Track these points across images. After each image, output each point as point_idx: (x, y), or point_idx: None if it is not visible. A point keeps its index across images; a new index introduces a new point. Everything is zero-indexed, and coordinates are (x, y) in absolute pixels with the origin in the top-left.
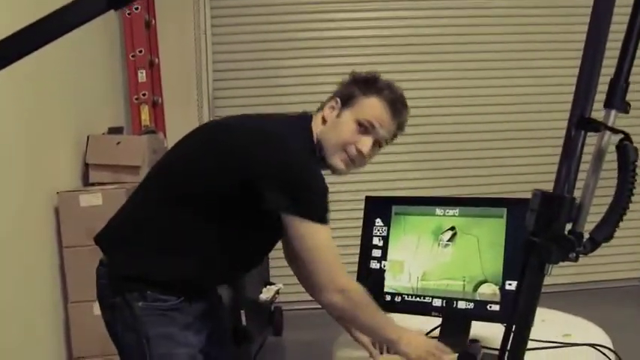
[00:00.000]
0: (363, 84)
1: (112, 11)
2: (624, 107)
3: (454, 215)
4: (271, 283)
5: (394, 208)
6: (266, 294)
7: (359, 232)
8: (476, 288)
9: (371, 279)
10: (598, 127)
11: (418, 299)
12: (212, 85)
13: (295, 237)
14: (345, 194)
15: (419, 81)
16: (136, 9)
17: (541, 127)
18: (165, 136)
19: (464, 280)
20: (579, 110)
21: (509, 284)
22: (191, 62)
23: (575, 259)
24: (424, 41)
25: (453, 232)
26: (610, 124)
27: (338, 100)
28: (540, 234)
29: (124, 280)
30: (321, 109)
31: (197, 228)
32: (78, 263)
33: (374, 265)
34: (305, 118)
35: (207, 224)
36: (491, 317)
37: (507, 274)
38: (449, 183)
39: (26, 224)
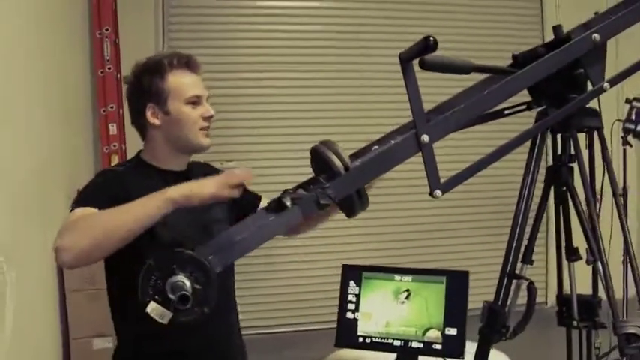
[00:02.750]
0: (154, 71)
1: (85, 70)
2: (531, 262)
3: (408, 281)
4: None
5: (364, 274)
6: None
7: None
8: (424, 332)
9: (347, 325)
10: (519, 278)
11: (383, 340)
12: None
13: None
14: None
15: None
16: (109, 68)
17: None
18: None
19: (416, 327)
20: (510, 267)
21: (449, 330)
22: None
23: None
24: None
25: (408, 292)
26: (523, 273)
27: (151, 104)
28: (487, 327)
29: None
30: (143, 127)
31: None
32: (79, 304)
33: (349, 315)
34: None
35: None
36: (435, 354)
37: (447, 323)
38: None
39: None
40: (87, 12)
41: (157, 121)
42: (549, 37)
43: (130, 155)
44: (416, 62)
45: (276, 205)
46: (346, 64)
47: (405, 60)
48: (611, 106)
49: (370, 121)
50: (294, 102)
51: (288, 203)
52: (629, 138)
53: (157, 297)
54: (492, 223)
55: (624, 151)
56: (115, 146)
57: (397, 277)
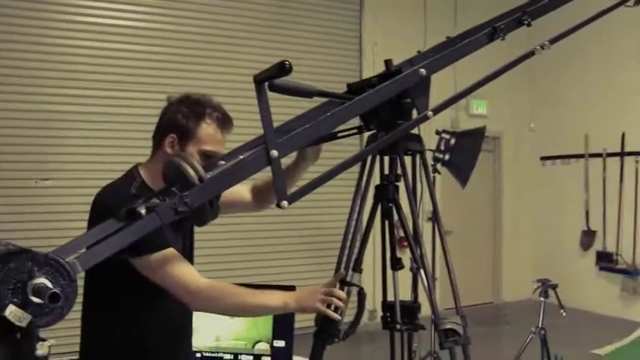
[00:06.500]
0: (191, 112)
1: None
2: (361, 270)
3: None
4: (43, 339)
5: None
6: (41, 350)
7: None
8: (254, 345)
9: None
10: (350, 285)
11: (213, 354)
12: None
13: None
14: None
15: None
16: None
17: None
18: None
19: (245, 340)
20: (342, 277)
21: (277, 342)
22: None
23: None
24: None
25: None
26: (354, 281)
27: (174, 136)
28: (321, 330)
29: None
30: (157, 146)
31: None
32: None
33: None
34: (129, 173)
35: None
36: None
37: (275, 336)
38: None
39: None
40: None
41: (169, 150)
42: (367, 66)
43: None
44: None
45: (130, 214)
46: (176, 86)
47: (259, 81)
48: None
49: None
50: (118, 121)
51: (143, 211)
52: (439, 166)
53: (15, 300)
54: (316, 238)
55: (434, 178)
56: None
57: None
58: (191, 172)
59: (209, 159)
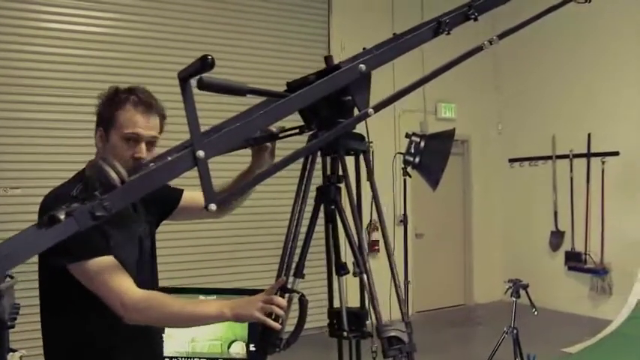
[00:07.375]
0: (109, 101)
1: None
2: (303, 276)
3: (213, 300)
4: (13, 350)
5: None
6: None
7: None
8: (229, 345)
9: None
10: (291, 292)
11: None
12: None
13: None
14: None
15: None
16: None
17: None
18: None
19: (221, 340)
20: (283, 283)
21: (253, 347)
22: None
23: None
24: None
25: None
26: (294, 287)
27: (101, 129)
28: (262, 340)
29: None
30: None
31: None
32: None
33: None
34: (78, 175)
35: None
36: None
37: (251, 340)
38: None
39: None
40: None
41: (100, 145)
42: None
43: None
44: None
45: (49, 220)
46: None
47: (183, 79)
48: (390, 141)
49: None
50: (82, 128)
51: (62, 216)
52: (409, 169)
53: None
54: (268, 245)
55: (405, 181)
56: None
57: (202, 296)
58: (112, 173)
59: (135, 143)
